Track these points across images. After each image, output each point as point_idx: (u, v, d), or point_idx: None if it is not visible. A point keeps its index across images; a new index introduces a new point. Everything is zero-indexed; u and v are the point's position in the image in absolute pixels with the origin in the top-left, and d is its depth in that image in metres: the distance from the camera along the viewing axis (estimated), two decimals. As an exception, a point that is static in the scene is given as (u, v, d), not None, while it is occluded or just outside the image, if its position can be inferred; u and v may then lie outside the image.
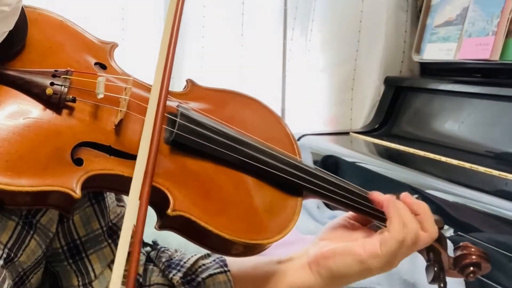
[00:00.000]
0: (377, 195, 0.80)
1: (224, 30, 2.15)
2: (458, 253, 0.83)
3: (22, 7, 0.68)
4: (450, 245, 0.88)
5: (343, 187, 0.80)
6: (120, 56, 0.78)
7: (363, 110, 2.22)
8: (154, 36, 2.04)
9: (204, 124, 0.73)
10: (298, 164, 0.78)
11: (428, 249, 0.82)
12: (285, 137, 0.83)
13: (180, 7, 0.69)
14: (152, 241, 0.88)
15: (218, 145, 0.73)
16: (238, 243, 0.71)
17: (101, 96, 0.67)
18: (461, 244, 0.84)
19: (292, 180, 0.77)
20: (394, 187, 1.52)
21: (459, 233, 1.26)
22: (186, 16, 2.09)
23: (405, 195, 0.81)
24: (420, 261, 0.87)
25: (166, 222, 0.69)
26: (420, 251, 0.84)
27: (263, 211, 0.76)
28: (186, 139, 0.71)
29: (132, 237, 0.60)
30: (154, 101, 0.66)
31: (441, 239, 0.83)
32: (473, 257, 0.82)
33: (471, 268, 0.81)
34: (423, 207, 0.80)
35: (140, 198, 0.62)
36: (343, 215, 0.86)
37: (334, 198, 0.80)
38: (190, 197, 0.70)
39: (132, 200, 0.62)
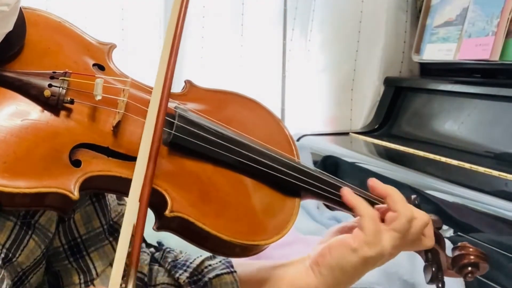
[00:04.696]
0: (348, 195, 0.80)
1: (224, 30, 2.14)
2: (456, 253, 0.83)
3: (20, 8, 0.68)
4: (449, 244, 0.88)
5: (340, 188, 0.80)
6: (120, 56, 0.78)
7: (363, 110, 2.22)
8: (154, 36, 2.04)
9: (202, 126, 0.73)
10: (295, 164, 0.78)
11: (426, 249, 0.82)
12: (283, 138, 0.83)
13: (184, 8, 0.69)
14: (157, 242, 0.88)
15: (216, 146, 0.73)
16: (236, 244, 0.71)
17: (99, 97, 0.67)
18: (459, 244, 0.84)
19: (289, 181, 0.77)
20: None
21: (458, 233, 1.26)
22: (186, 17, 2.09)
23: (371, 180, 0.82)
24: (419, 262, 0.87)
25: (164, 223, 0.69)
26: (418, 251, 0.84)
27: (261, 212, 0.76)
28: (184, 140, 0.71)
29: (132, 235, 0.60)
30: (155, 104, 0.66)
31: (439, 239, 0.83)
32: (471, 257, 0.81)
33: (469, 268, 0.81)
34: (388, 190, 0.81)
35: (140, 200, 0.61)
36: (344, 222, 0.86)
37: (332, 199, 0.80)
38: (187, 198, 0.70)
39: (132, 202, 0.61)
